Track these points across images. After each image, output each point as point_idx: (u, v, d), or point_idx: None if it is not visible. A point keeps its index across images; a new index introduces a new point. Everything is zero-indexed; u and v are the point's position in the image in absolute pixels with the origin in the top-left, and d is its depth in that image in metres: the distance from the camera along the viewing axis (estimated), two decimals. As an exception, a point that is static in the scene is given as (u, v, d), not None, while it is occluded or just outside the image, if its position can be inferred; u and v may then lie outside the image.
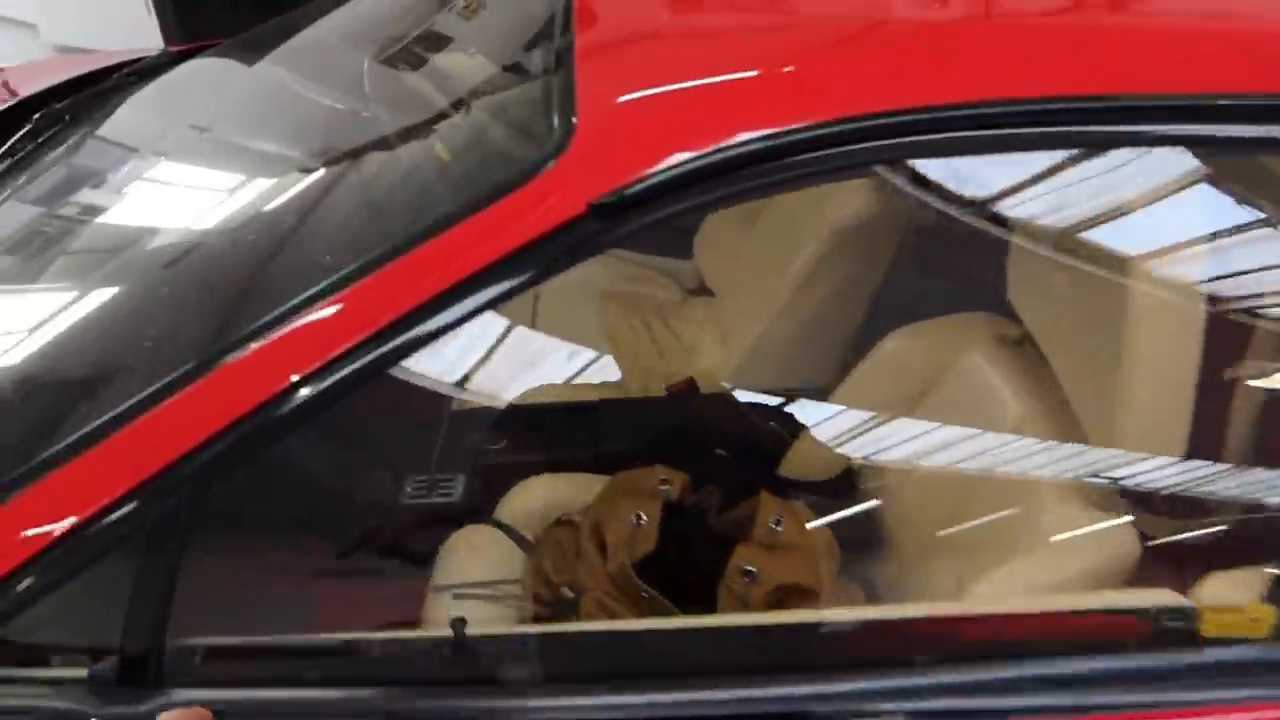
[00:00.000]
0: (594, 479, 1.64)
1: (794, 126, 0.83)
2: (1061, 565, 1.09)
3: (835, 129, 0.84)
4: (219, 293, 1.08)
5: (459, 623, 0.89)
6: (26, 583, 0.87)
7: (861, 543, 1.44)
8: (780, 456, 1.58)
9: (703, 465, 1.61)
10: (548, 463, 1.69)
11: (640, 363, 2.01)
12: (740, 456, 1.63)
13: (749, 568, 1.27)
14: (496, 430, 1.75)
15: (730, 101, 0.89)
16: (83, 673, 0.89)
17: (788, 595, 1.26)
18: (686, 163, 0.84)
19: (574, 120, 0.91)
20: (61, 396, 1.08)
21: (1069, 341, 1.21)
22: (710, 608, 1.29)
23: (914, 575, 1.32)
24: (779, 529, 1.31)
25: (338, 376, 0.85)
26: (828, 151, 0.86)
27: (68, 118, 1.52)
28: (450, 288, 0.84)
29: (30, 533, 0.88)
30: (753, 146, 0.83)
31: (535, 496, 1.63)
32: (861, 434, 1.51)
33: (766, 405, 1.68)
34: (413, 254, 0.86)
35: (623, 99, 0.92)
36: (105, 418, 0.89)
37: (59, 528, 0.87)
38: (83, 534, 0.87)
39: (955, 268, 1.63)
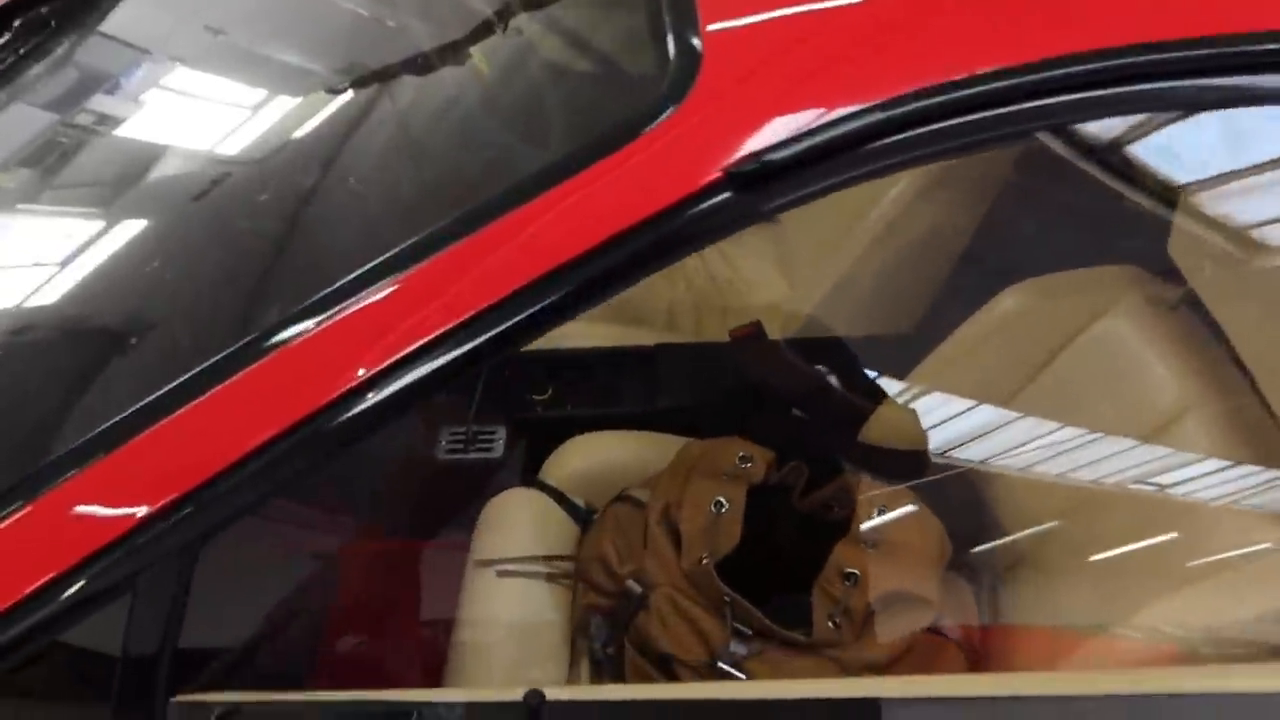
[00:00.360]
0: (654, 438, 1.46)
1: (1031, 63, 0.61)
2: (1243, 600, 0.90)
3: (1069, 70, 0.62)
4: (253, 246, 0.87)
5: (535, 696, 0.71)
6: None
7: (962, 522, 1.25)
8: (863, 419, 1.39)
9: (776, 427, 1.42)
10: (599, 417, 1.51)
11: (693, 294, 1.81)
12: (818, 417, 1.44)
13: (851, 570, 1.09)
14: (540, 378, 1.57)
15: (938, 26, 0.65)
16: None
17: (894, 603, 1.09)
18: (864, 114, 0.62)
19: (696, 45, 0.68)
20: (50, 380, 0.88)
21: (1263, 312, 1.00)
22: (801, 610, 1.12)
23: (1033, 577, 1.14)
24: (885, 522, 1.13)
25: (412, 378, 0.64)
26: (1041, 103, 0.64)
27: (53, 24, 1.28)
28: (536, 280, 0.63)
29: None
30: (968, 92, 0.61)
31: (587, 457, 1.46)
32: (965, 402, 1.31)
33: (846, 359, 1.48)
34: (487, 230, 0.65)
35: (766, 16, 0.68)
36: (117, 419, 0.69)
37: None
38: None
39: (1078, 210, 1.40)
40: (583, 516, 1.38)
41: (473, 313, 0.62)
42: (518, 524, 1.36)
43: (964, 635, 1.12)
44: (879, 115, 0.61)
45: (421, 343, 0.63)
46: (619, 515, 1.25)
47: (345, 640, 1.23)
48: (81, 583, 0.68)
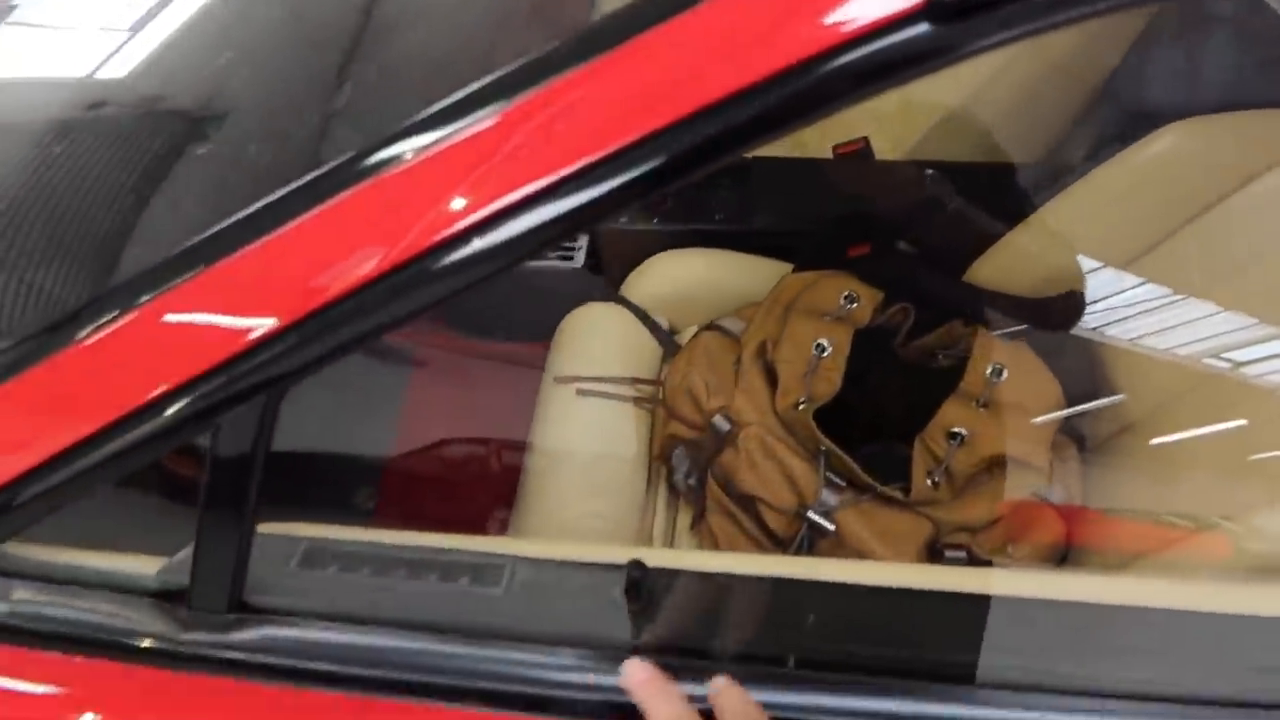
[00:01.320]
0: (746, 260, 1.37)
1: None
2: None
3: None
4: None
5: (637, 568, 0.66)
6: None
7: (1072, 378, 1.16)
8: (977, 256, 1.28)
9: (881, 260, 1.32)
10: (687, 233, 1.41)
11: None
12: (928, 251, 1.33)
13: (958, 430, 1.02)
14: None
15: None
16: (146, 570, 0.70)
17: (998, 467, 1.03)
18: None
19: None
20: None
21: None
22: (891, 460, 1.06)
23: (1139, 452, 1.07)
24: (999, 381, 1.05)
25: (559, 211, 0.55)
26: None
27: None
28: (690, 115, 0.53)
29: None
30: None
31: (673, 275, 1.38)
32: (1100, 246, 1.19)
33: (963, 187, 1.35)
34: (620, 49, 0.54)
35: None
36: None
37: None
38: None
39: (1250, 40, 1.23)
40: (666, 337, 1.32)
41: (642, 134, 0.53)
42: (598, 341, 1.30)
43: (1064, 500, 1.06)
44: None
45: (571, 169, 0.53)
46: (709, 346, 1.19)
47: (412, 456, 1.21)
48: (185, 401, 0.63)
